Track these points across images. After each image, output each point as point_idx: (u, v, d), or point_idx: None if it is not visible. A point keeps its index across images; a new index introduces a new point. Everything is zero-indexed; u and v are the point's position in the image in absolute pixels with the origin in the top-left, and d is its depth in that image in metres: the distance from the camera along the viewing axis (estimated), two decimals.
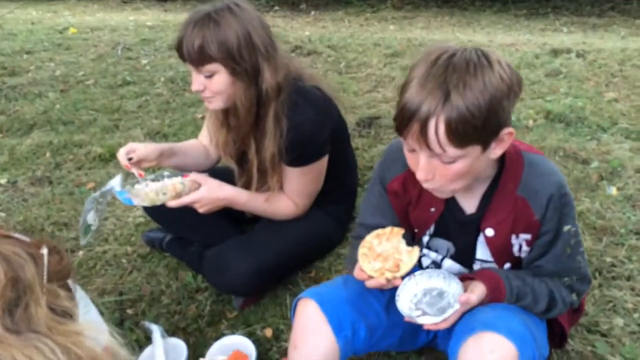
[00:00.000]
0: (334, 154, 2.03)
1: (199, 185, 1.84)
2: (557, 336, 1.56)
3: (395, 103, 1.23)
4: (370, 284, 1.35)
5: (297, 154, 1.90)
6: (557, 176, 1.37)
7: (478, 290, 1.36)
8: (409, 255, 1.36)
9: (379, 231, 1.42)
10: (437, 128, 1.15)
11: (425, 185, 1.31)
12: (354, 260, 1.41)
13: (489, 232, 1.42)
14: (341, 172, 2.16)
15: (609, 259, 2.10)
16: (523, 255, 1.44)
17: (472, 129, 1.16)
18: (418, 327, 1.48)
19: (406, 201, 1.50)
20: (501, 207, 1.39)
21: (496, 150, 1.26)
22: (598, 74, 3.79)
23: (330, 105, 1.98)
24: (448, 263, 1.55)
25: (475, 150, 1.21)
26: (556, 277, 1.43)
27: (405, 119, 1.19)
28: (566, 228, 1.37)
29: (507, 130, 1.23)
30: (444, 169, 1.24)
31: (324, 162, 2.00)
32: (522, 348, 1.22)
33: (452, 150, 1.18)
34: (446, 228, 1.49)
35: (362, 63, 4.27)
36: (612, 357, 1.70)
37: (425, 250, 1.57)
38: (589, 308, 1.88)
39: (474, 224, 1.44)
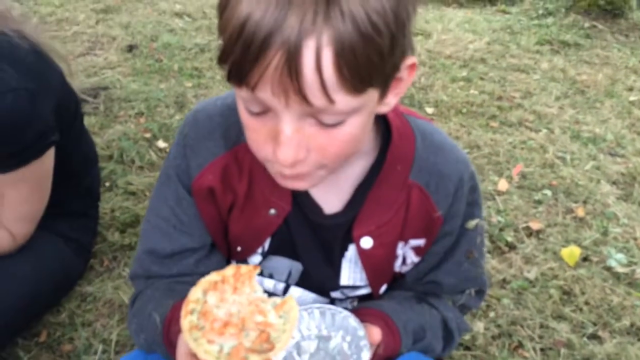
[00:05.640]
0: (63, 143, 1.25)
1: None
2: None
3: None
4: None
5: (3, 151, 1.09)
6: (460, 151, 0.95)
7: (375, 333, 0.88)
8: (281, 311, 0.72)
9: (214, 276, 0.74)
10: (318, 57, 0.60)
11: (290, 172, 0.73)
12: (149, 325, 0.89)
13: (366, 242, 0.92)
14: (76, 170, 1.41)
15: None
16: (406, 269, 0.98)
17: (378, 55, 0.64)
18: None
19: (227, 203, 0.91)
20: (386, 201, 0.90)
21: (390, 99, 0.75)
22: None
23: (44, 62, 1.20)
24: (295, 294, 1.00)
25: (373, 97, 0.70)
26: (451, 294, 1.02)
27: (253, 49, 0.61)
28: (473, 223, 0.96)
29: (410, 61, 0.72)
30: (324, 138, 0.70)
31: (49, 158, 1.22)
32: None
33: (343, 99, 0.64)
34: (290, 240, 0.94)
35: (64, 19, 3.33)
36: None
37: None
38: None
39: (339, 231, 0.92)
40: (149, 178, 1.90)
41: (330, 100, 0.62)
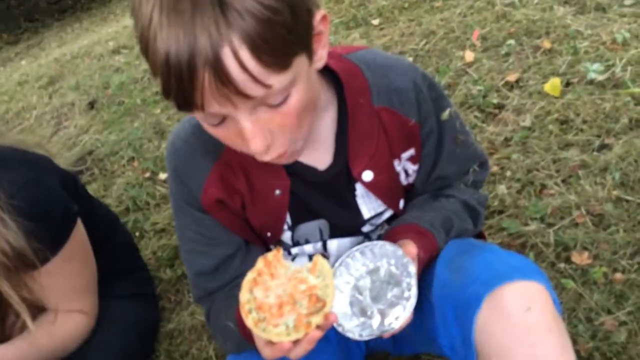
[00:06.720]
0: (81, 216, 1.35)
1: None
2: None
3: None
4: (300, 352, 0.84)
5: (44, 237, 1.20)
6: (404, 61, 1.03)
7: (410, 246, 0.97)
8: (316, 272, 0.84)
9: (250, 275, 0.86)
10: (237, 58, 0.69)
11: (270, 157, 0.83)
12: (228, 332, 1.00)
13: (367, 175, 1.02)
14: (104, 234, 1.51)
15: None
16: (412, 179, 1.08)
17: (286, 30, 0.72)
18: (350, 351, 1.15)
19: (237, 204, 1.01)
20: (365, 134, 0.99)
21: (320, 53, 0.83)
22: None
23: (29, 153, 1.31)
24: (334, 245, 1.10)
25: (302, 63, 0.77)
26: (459, 178, 1.12)
27: (184, 78, 0.70)
28: (446, 114, 1.05)
29: (319, 15, 0.80)
30: (280, 117, 0.79)
31: (81, 226, 1.33)
32: (542, 279, 0.89)
33: (277, 79, 0.73)
34: (305, 205, 1.04)
35: (21, 109, 3.40)
36: (527, 227, 1.44)
37: (294, 250, 1.11)
38: None
39: (340, 178, 1.02)
40: (168, 211, 2.02)
41: (267, 87, 0.72)
